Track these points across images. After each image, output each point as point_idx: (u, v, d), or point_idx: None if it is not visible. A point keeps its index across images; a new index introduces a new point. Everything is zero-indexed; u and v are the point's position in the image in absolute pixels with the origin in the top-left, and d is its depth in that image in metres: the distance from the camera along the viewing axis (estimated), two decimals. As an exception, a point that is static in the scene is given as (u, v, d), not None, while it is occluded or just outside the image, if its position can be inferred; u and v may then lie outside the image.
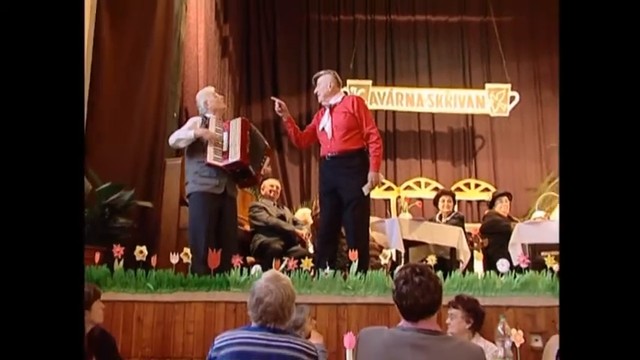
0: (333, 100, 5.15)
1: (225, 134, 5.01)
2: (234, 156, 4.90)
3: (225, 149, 4.95)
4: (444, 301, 2.68)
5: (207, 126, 5.06)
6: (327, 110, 5.14)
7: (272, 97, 5.45)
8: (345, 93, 5.36)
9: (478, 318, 3.81)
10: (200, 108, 5.25)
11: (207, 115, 5.15)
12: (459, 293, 4.01)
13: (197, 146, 4.99)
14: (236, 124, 5.03)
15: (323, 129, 5.12)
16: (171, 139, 5.15)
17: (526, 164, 10.15)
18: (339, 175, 5.01)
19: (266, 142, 5.41)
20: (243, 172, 5.05)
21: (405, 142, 10.25)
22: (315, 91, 5.28)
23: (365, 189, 4.95)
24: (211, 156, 4.92)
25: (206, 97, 5.23)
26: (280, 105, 5.19)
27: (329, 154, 5.07)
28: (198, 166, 4.97)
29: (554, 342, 4.04)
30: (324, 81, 5.22)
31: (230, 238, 4.98)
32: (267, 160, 5.31)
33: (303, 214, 7.00)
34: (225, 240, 4.88)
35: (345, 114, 5.05)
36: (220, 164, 4.92)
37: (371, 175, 4.97)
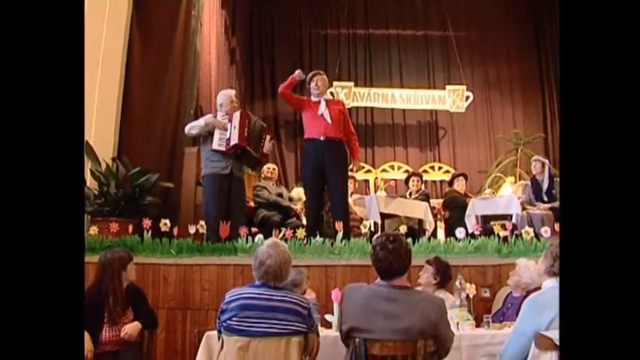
0: (325, 96, 5.21)
1: (229, 124, 4.97)
2: (234, 139, 4.86)
3: (227, 136, 4.91)
4: (414, 262, 2.69)
5: (215, 117, 5.08)
6: (324, 102, 5.09)
7: (298, 70, 5.23)
8: (332, 94, 5.38)
9: (444, 278, 3.87)
10: (217, 105, 5.21)
11: (220, 112, 5.11)
12: (435, 256, 4.06)
13: (208, 137, 4.99)
14: (237, 115, 4.97)
15: (322, 115, 5.04)
16: (187, 128, 5.17)
17: (478, 151, 10.16)
18: (331, 155, 4.97)
19: (263, 124, 5.29)
20: (244, 153, 5.00)
21: (381, 132, 10.22)
22: (312, 85, 5.20)
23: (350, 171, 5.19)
24: (216, 143, 4.92)
25: (223, 99, 5.15)
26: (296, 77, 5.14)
27: (324, 136, 5.00)
28: (209, 153, 4.97)
29: (503, 293, 4.11)
30: (325, 80, 5.27)
31: (238, 211, 4.95)
32: (268, 137, 5.20)
33: (298, 192, 6.94)
34: (234, 213, 4.87)
35: (339, 111, 5.10)
36: (223, 149, 4.90)
37: (356, 162, 5.31)
